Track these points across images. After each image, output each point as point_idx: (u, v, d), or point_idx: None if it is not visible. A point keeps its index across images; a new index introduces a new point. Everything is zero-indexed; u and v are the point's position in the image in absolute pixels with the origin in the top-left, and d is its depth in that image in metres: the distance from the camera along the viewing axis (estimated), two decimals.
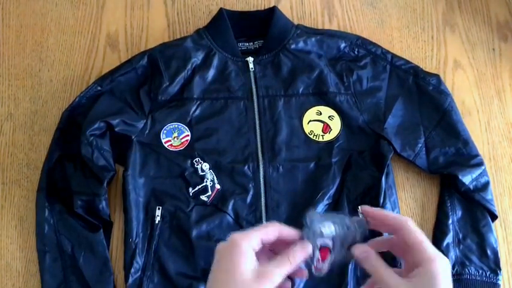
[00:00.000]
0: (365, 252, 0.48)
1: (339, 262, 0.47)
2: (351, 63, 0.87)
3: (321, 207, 0.78)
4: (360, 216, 0.49)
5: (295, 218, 0.78)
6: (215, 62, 0.85)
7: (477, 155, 0.82)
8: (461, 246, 0.78)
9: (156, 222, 0.77)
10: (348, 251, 0.46)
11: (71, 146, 0.80)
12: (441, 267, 0.44)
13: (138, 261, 0.75)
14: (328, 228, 0.44)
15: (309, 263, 0.46)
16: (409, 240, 0.46)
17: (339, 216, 0.46)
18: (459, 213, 0.80)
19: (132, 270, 0.75)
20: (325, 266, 0.46)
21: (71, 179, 0.79)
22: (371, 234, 0.51)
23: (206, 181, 0.79)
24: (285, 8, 0.97)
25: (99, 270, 0.75)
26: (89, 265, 0.75)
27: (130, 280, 0.74)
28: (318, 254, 0.44)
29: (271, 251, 0.50)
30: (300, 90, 0.85)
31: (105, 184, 0.77)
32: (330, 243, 0.45)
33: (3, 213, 0.82)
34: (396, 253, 0.51)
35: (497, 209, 0.81)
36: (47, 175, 0.79)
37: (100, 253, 0.75)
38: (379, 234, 0.75)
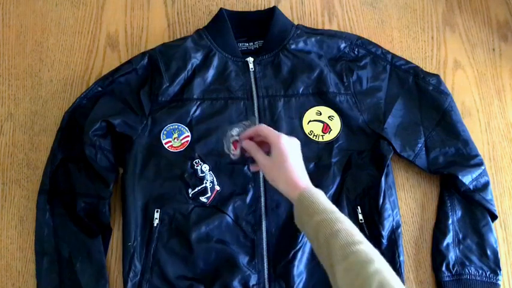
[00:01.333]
0: (250, 144, 0.72)
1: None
2: (351, 63, 0.87)
3: None
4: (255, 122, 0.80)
5: None
6: (215, 62, 0.85)
7: (477, 155, 0.82)
8: (461, 246, 0.78)
9: (155, 225, 0.77)
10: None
11: (73, 147, 0.80)
12: (284, 142, 0.67)
13: (137, 265, 0.75)
14: (235, 131, 0.74)
15: (227, 152, 0.75)
16: (263, 135, 0.70)
17: (243, 123, 0.75)
18: (459, 213, 0.80)
19: (131, 274, 0.75)
20: (237, 152, 0.74)
21: (75, 180, 0.79)
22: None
23: (206, 182, 0.79)
24: (285, 8, 0.97)
25: (94, 277, 0.75)
26: (85, 271, 0.75)
27: (129, 284, 0.74)
28: (231, 146, 0.74)
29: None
30: (300, 90, 0.85)
31: (111, 187, 0.77)
32: (237, 138, 0.74)
33: (3, 213, 0.82)
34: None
35: (497, 209, 0.81)
36: (50, 177, 0.79)
37: (97, 260, 0.75)
38: (378, 234, 0.75)
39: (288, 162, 0.66)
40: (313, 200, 0.62)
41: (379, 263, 0.53)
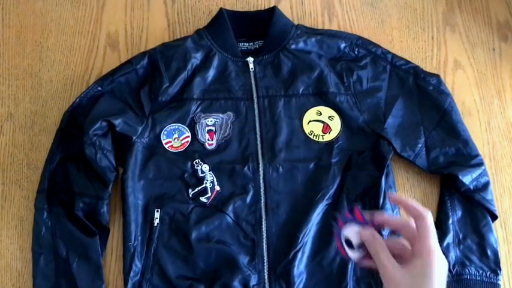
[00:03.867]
0: (371, 236, 0.52)
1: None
2: (351, 63, 0.87)
3: (320, 208, 0.78)
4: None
5: (295, 219, 0.78)
6: (215, 62, 0.85)
7: (477, 155, 0.82)
8: (461, 246, 0.78)
9: (155, 225, 0.77)
10: None
11: (72, 147, 0.80)
12: (438, 262, 0.47)
13: (137, 265, 0.75)
14: (210, 121, 0.75)
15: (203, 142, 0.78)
16: (420, 232, 0.49)
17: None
18: (459, 213, 0.80)
19: (132, 273, 0.75)
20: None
21: (74, 180, 0.79)
22: None
23: (206, 182, 0.79)
24: (285, 8, 0.97)
25: (91, 277, 0.75)
26: (82, 271, 0.75)
27: (129, 283, 0.74)
28: (207, 135, 0.76)
29: None
30: (300, 90, 0.85)
31: (110, 188, 0.78)
32: (213, 128, 0.76)
33: (3, 213, 0.82)
34: (406, 237, 0.53)
35: (498, 209, 0.81)
36: (48, 177, 0.79)
37: (94, 260, 0.75)
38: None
39: None
40: None
41: None
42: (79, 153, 0.78)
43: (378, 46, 0.89)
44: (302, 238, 0.76)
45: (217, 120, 0.82)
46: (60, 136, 0.82)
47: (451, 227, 0.79)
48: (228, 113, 0.83)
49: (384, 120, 0.83)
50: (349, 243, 0.53)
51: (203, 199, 0.79)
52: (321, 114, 0.84)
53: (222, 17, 0.87)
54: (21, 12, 0.97)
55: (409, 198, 0.53)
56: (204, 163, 0.80)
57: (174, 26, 0.97)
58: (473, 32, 0.98)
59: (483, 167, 0.81)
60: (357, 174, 0.80)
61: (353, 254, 0.53)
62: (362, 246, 0.53)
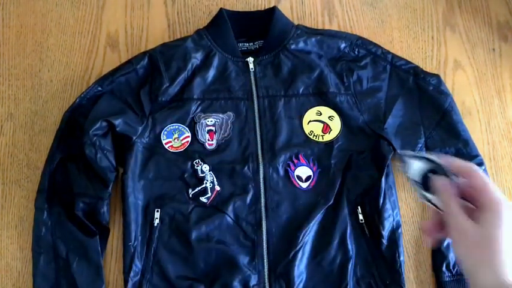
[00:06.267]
0: (445, 186, 0.50)
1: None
2: (351, 63, 0.87)
3: (320, 208, 0.78)
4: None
5: (295, 219, 0.78)
6: (215, 62, 0.85)
7: (477, 155, 0.82)
8: None
9: (155, 225, 0.77)
10: None
11: (72, 147, 0.80)
12: (508, 213, 0.46)
13: (138, 265, 0.75)
14: (210, 121, 0.73)
15: (203, 142, 0.79)
16: (476, 185, 0.48)
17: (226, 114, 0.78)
18: None
19: (132, 273, 0.75)
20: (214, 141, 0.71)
21: (74, 180, 0.79)
22: None
23: (206, 182, 0.79)
24: (285, 8, 0.97)
25: (91, 278, 0.75)
26: (82, 271, 0.75)
27: (129, 283, 0.74)
28: (207, 135, 0.73)
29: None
30: (300, 90, 0.84)
31: (110, 188, 0.78)
32: (213, 128, 0.75)
33: (3, 213, 0.82)
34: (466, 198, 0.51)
35: None
36: (48, 177, 0.79)
37: (94, 261, 0.75)
38: (378, 234, 0.74)
39: (506, 243, 0.45)
40: None
41: None
42: (79, 153, 0.78)
43: (378, 46, 0.89)
44: (302, 238, 0.76)
45: (218, 120, 0.82)
46: (60, 136, 0.82)
47: None
48: (228, 113, 0.83)
49: (384, 120, 0.83)
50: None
51: (203, 199, 0.79)
52: (321, 114, 0.84)
53: (222, 17, 0.87)
54: (22, 12, 0.97)
55: (450, 157, 0.52)
56: (204, 163, 0.80)
57: (174, 26, 0.97)
58: (473, 32, 0.98)
59: (483, 167, 0.82)
60: (357, 174, 0.80)
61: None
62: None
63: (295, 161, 0.80)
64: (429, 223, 0.53)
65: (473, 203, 0.50)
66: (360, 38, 0.89)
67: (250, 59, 0.86)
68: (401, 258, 0.76)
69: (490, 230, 0.46)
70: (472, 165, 0.50)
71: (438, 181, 0.51)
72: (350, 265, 0.76)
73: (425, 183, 0.52)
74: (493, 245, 0.45)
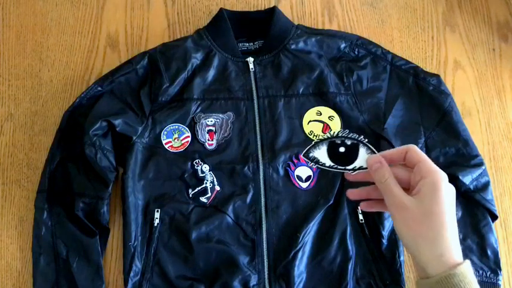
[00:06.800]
0: (378, 163, 0.50)
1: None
2: (351, 63, 0.87)
3: (320, 208, 0.78)
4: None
5: (295, 219, 0.78)
6: (215, 62, 0.85)
7: (477, 155, 0.82)
8: (461, 246, 0.78)
9: (155, 225, 0.77)
10: None
11: (73, 147, 0.80)
12: (443, 181, 0.46)
13: (138, 265, 0.75)
14: (210, 121, 0.73)
15: (203, 142, 0.79)
16: (413, 159, 0.49)
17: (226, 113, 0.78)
18: (459, 213, 0.80)
19: (132, 273, 0.75)
20: (214, 141, 0.72)
21: (74, 180, 0.79)
22: None
23: (206, 182, 0.79)
24: (285, 8, 0.97)
25: (91, 278, 0.75)
26: (82, 272, 0.75)
27: (129, 283, 0.74)
28: (207, 135, 0.73)
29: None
30: (300, 90, 0.84)
31: (110, 188, 0.78)
32: (213, 129, 0.75)
33: (3, 213, 0.83)
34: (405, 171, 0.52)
35: (498, 209, 0.81)
36: (48, 177, 0.79)
37: (94, 261, 0.75)
38: (378, 234, 0.74)
39: (447, 217, 0.45)
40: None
41: None
42: (79, 153, 0.78)
43: (378, 46, 0.89)
44: (302, 238, 0.76)
45: (218, 120, 0.82)
46: (60, 136, 0.82)
47: None
48: (228, 113, 0.83)
49: (384, 120, 0.83)
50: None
51: (203, 199, 0.79)
52: (321, 114, 0.84)
53: (222, 17, 0.87)
54: (22, 12, 0.97)
55: (387, 151, 0.53)
56: (204, 163, 0.80)
57: (174, 26, 0.97)
58: (473, 32, 0.98)
59: (483, 167, 0.81)
60: None
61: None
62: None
63: (295, 161, 0.80)
64: (356, 191, 0.54)
65: (405, 185, 0.49)
66: (360, 38, 0.89)
67: (250, 59, 0.86)
68: (401, 258, 0.76)
69: (431, 204, 0.45)
70: (410, 145, 0.50)
71: (372, 159, 0.51)
72: (350, 265, 0.76)
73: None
74: (434, 220, 0.45)
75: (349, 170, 0.55)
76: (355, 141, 0.55)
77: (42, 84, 0.91)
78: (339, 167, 0.56)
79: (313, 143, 0.57)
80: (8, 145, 0.87)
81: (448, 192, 0.46)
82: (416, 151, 0.49)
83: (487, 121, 0.91)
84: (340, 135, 0.55)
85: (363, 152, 0.55)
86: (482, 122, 0.91)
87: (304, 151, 0.57)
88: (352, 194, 0.56)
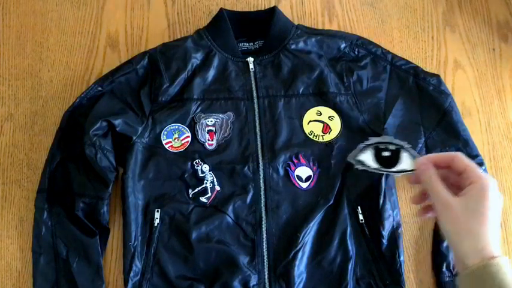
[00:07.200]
0: (425, 165, 0.55)
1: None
2: (351, 63, 0.87)
3: (320, 208, 0.78)
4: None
5: (295, 219, 0.78)
6: (215, 62, 0.85)
7: (477, 155, 0.82)
8: None
9: (155, 225, 0.77)
10: None
11: (73, 147, 0.80)
12: (489, 182, 0.49)
13: (138, 265, 0.75)
14: (210, 121, 0.74)
15: (203, 142, 0.79)
16: (461, 166, 0.52)
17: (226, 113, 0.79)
18: None
19: (132, 273, 0.75)
20: (214, 142, 0.74)
21: (74, 180, 0.79)
22: None
23: (206, 182, 0.79)
24: (285, 8, 0.97)
25: (91, 278, 0.75)
26: (82, 272, 0.75)
27: (129, 283, 0.74)
28: (207, 135, 0.73)
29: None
30: (300, 90, 0.84)
31: (110, 188, 0.78)
32: (213, 129, 0.75)
33: (3, 213, 0.83)
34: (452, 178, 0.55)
35: None
36: (48, 177, 0.79)
37: (94, 261, 0.75)
38: (378, 234, 0.74)
39: (490, 215, 0.48)
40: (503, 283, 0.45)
41: None
42: (79, 153, 0.78)
43: (378, 46, 0.89)
44: (302, 238, 0.76)
45: (218, 120, 0.82)
46: (60, 136, 0.82)
47: None
48: (228, 113, 0.83)
49: (384, 120, 0.83)
50: None
51: (203, 199, 0.79)
52: (321, 114, 0.84)
53: (222, 17, 0.87)
54: (22, 12, 0.97)
55: (433, 154, 0.56)
56: (204, 163, 0.80)
57: (174, 26, 0.97)
58: (473, 32, 0.98)
59: (483, 167, 0.82)
60: (357, 175, 0.80)
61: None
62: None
63: (295, 161, 0.80)
64: (416, 196, 0.59)
65: (451, 188, 0.53)
66: (360, 38, 0.89)
67: (250, 59, 0.86)
68: (401, 258, 0.76)
69: (477, 201, 0.49)
70: (457, 153, 0.54)
71: (420, 161, 0.56)
72: (350, 265, 0.76)
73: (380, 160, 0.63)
74: (478, 215, 0.48)
75: (393, 172, 0.62)
76: (399, 147, 0.62)
77: (42, 84, 0.91)
78: (383, 169, 0.62)
79: (361, 147, 0.64)
80: (8, 145, 0.87)
81: (495, 196, 0.49)
82: (463, 158, 0.53)
83: (487, 121, 0.91)
84: (385, 141, 0.63)
85: (406, 156, 0.61)
86: (482, 122, 0.91)
87: (351, 154, 0.65)
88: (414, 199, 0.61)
